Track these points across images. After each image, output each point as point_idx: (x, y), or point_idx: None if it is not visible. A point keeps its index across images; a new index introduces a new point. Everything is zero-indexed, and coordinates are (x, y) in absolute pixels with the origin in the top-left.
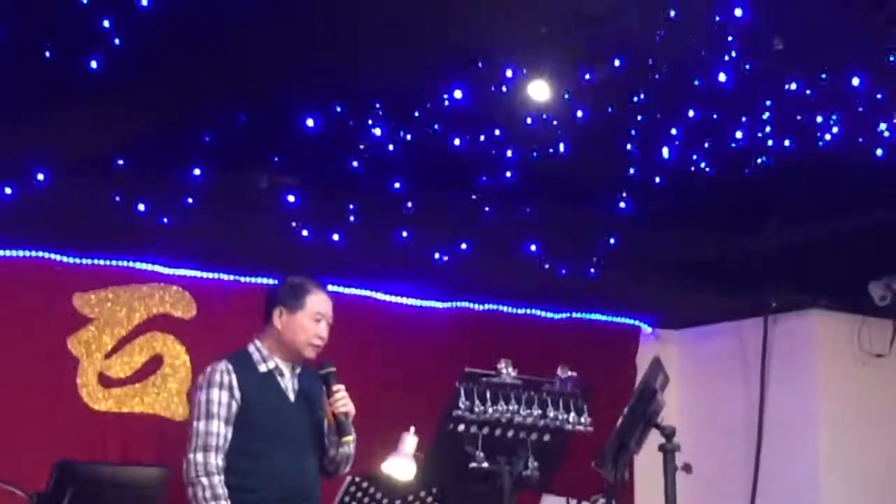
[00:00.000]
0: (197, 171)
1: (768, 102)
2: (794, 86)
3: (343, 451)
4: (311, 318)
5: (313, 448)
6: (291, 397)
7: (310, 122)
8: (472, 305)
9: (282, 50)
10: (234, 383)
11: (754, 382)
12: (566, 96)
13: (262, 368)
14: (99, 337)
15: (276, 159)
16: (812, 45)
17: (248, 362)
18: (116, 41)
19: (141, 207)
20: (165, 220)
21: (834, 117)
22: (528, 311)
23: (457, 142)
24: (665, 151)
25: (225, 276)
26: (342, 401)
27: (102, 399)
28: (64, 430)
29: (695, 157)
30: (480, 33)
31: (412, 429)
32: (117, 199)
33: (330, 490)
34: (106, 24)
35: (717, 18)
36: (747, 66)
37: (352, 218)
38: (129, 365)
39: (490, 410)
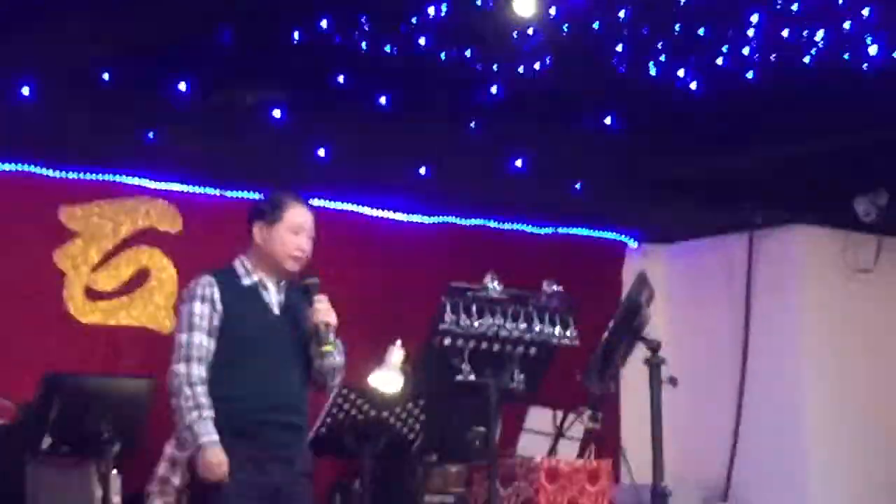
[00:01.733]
0: (183, 86)
1: (754, 18)
2: (779, 1)
3: (329, 361)
4: (290, 230)
5: (299, 359)
6: (276, 310)
7: (296, 37)
8: (457, 220)
9: None
10: (217, 296)
11: (740, 297)
12: (552, 11)
13: (246, 282)
14: (85, 250)
15: (262, 75)
16: None
17: (232, 276)
18: None
19: (127, 121)
20: (151, 134)
21: (820, 32)
22: (514, 227)
23: (442, 56)
24: (651, 67)
25: (211, 191)
26: (323, 310)
27: (89, 312)
28: (51, 342)
29: (681, 73)
30: None
31: (398, 342)
32: (103, 113)
33: (318, 402)
34: None
35: None
36: None
37: (337, 133)
38: (116, 278)
39: (476, 324)
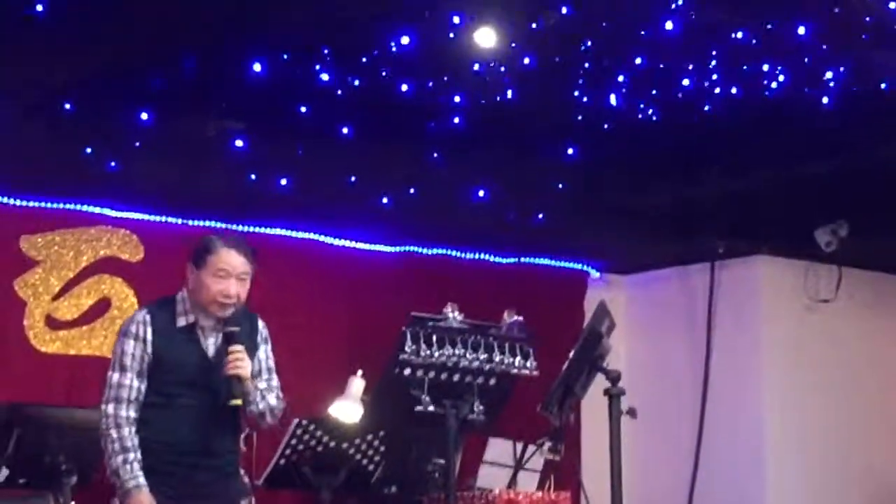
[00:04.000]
0: (144, 116)
1: (714, 51)
2: (739, 34)
3: (250, 409)
4: (213, 275)
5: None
6: (211, 352)
7: (257, 68)
8: (419, 250)
9: None
10: (149, 336)
11: (701, 327)
12: (513, 44)
13: (181, 322)
14: (46, 279)
15: (224, 105)
16: None
17: (169, 314)
18: None
19: (88, 151)
20: (113, 163)
21: (780, 67)
22: (476, 256)
23: (404, 88)
24: (612, 98)
25: (173, 220)
26: (233, 363)
27: (50, 341)
28: (11, 371)
29: (642, 104)
30: None
31: (359, 372)
32: (64, 142)
33: (278, 433)
34: None
35: None
36: (693, 15)
37: (300, 163)
38: (77, 307)
39: (436, 354)
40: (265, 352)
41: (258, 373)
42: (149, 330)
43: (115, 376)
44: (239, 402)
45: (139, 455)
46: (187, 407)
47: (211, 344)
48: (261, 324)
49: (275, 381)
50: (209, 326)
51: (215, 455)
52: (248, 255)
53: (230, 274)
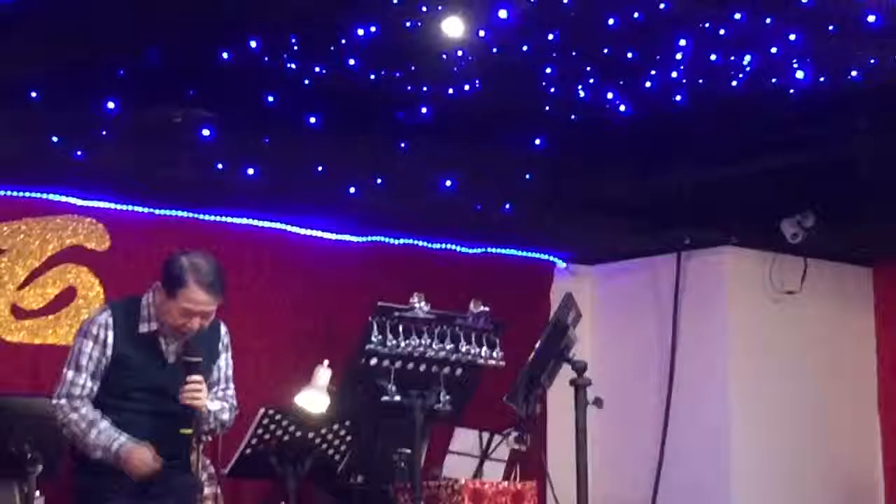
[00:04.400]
0: (111, 105)
1: (682, 42)
2: (707, 25)
3: (214, 425)
4: (179, 310)
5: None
6: (171, 359)
7: (224, 56)
8: (386, 240)
9: None
10: (109, 340)
11: (667, 318)
12: (481, 33)
13: (143, 328)
14: (11, 268)
15: (192, 93)
16: None
17: (132, 317)
18: None
19: (55, 139)
20: (79, 152)
21: (748, 58)
22: (443, 247)
23: (372, 77)
24: (580, 90)
25: (139, 209)
26: (189, 393)
27: (15, 331)
28: None
29: (609, 95)
30: None
31: (325, 362)
32: (31, 131)
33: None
34: None
35: None
36: (662, 5)
37: (267, 152)
38: (42, 296)
39: (402, 344)
40: (225, 360)
41: (216, 381)
42: (110, 333)
43: (70, 374)
44: (189, 431)
45: (108, 419)
46: (144, 411)
47: (171, 351)
48: (223, 330)
49: (230, 391)
50: (170, 333)
51: (170, 457)
52: (219, 293)
53: (194, 313)
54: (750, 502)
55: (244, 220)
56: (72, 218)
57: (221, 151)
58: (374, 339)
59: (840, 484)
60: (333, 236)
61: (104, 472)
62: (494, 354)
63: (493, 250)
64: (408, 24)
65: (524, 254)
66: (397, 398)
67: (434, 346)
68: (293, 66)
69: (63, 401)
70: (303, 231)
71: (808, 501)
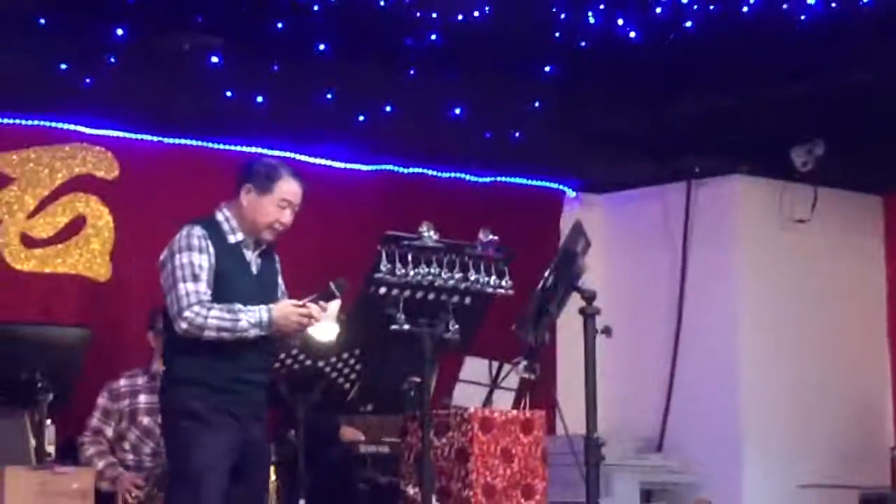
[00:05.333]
0: (119, 31)
1: None
2: None
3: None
4: (276, 203)
5: None
6: (254, 269)
7: None
8: (395, 168)
9: None
10: (211, 249)
11: (676, 247)
12: None
13: (231, 239)
14: (21, 197)
15: (200, 20)
16: None
17: (218, 231)
18: None
19: (63, 67)
20: (88, 79)
21: None
22: (453, 175)
23: (381, 3)
24: (590, 16)
25: (148, 137)
26: (309, 322)
27: (25, 259)
28: None
29: (619, 21)
30: None
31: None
32: (39, 58)
33: None
34: None
35: None
36: None
37: (275, 80)
38: (52, 225)
39: (411, 273)
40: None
41: (279, 298)
42: (209, 243)
43: (189, 286)
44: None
45: (240, 305)
46: None
47: (253, 261)
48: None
49: None
50: (252, 245)
51: (264, 370)
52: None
53: (291, 204)
54: (760, 430)
55: (252, 149)
56: (81, 146)
57: (230, 79)
58: (382, 267)
59: (850, 410)
60: (342, 165)
61: (214, 394)
62: (503, 283)
63: (503, 179)
64: None
65: (533, 182)
66: (406, 327)
67: (443, 274)
68: None
69: (196, 307)
70: (311, 159)
71: (818, 430)
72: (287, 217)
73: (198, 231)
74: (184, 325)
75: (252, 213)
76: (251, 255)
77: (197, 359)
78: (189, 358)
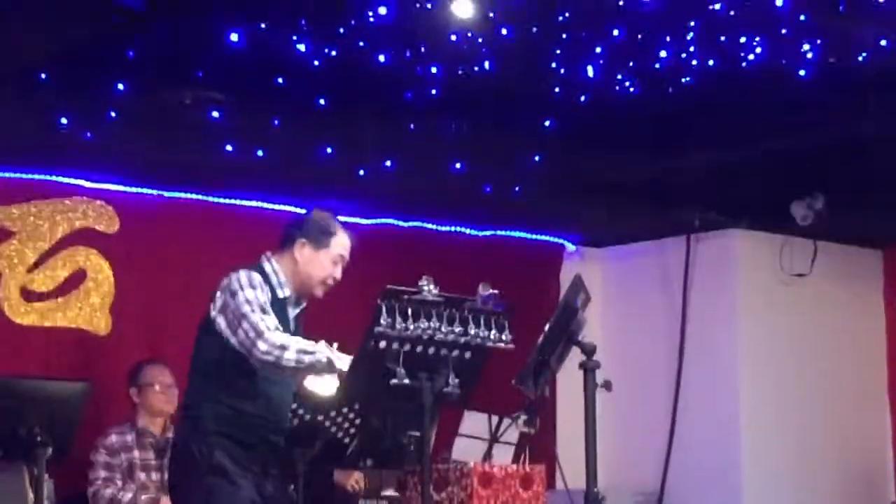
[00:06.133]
0: (120, 86)
1: (692, 22)
2: (717, 6)
3: None
4: (332, 259)
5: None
6: (292, 326)
7: (234, 38)
8: (395, 222)
9: None
10: (269, 295)
11: (676, 300)
12: (491, 14)
13: (280, 294)
14: (21, 251)
15: (201, 75)
16: None
17: (269, 282)
18: None
19: (64, 121)
20: (88, 134)
21: (757, 38)
22: (452, 229)
23: (381, 58)
24: (590, 70)
25: (148, 191)
26: None
27: (25, 313)
28: None
29: (619, 76)
30: None
31: (335, 345)
32: (40, 112)
33: None
34: None
35: None
36: None
37: (276, 134)
38: (52, 279)
39: (412, 327)
40: None
41: None
42: (267, 289)
43: (259, 315)
44: None
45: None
46: (269, 378)
47: (292, 320)
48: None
49: None
50: (293, 301)
51: (285, 432)
52: None
53: (343, 259)
54: (760, 487)
55: (253, 203)
56: (81, 200)
57: (230, 133)
58: (383, 321)
59: (851, 468)
60: (342, 219)
61: (245, 450)
62: (503, 337)
63: (503, 233)
64: (418, 5)
65: (533, 236)
66: (406, 381)
67: (443, 328)
68: (303, 47)
69: (275, 330)
70: None
71: (819, 485)
72: (339, 272)
73: (257, 276)
74: (264, 347)
75: (307, 269)
76: (292, 314)
77: (229, 410)
78: (220, 408)
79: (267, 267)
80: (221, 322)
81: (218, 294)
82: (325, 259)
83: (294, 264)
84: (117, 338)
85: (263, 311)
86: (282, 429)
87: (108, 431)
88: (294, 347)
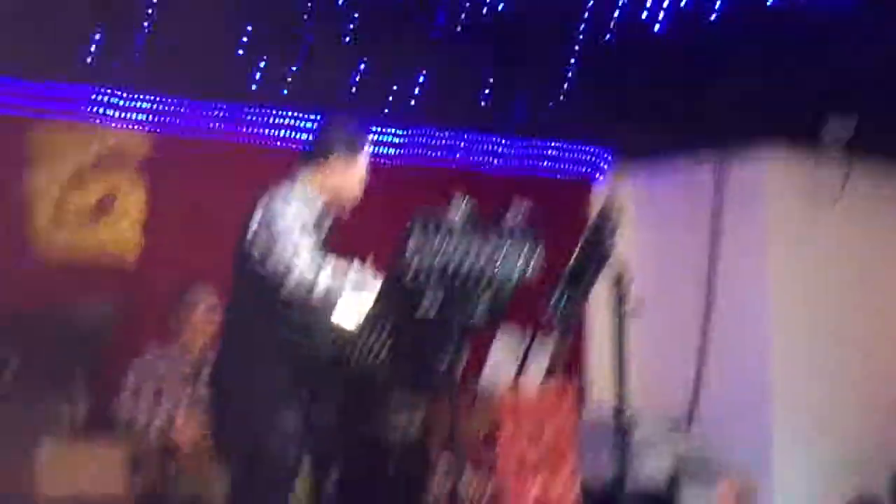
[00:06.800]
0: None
1: None
2: None
3: None
4: (360, 172)
5: None
6: (324, 245)
7: None
8: (425, 151)
9: None
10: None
11: (707, 225)
12: None
13: (313, 209)
14: (53, 173)
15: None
16: None
17: (302, 199)
18: None
19: (97, 38)
20: (121, 54)
21: None
22: (486, 147)
23: None
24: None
25: (181, 111)
26: None
27: (57, 237)
28: (17, 266)
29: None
30: None
31: (367, 261)
32: (73, 32)
33: None
34: None
35: None
36: None
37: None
38: (84, 201)
39: (441, 253)
40: None
41: None
42: (302, 206)
43: (297, 235)
44: None
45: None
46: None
47: (324, 233)
48: None
49: None
50: (325, 215)
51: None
52: None
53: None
54: (791, 413)
55: (286, 121)
56: (114, 122)
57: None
58: (411, 247)
59: (883, 393)
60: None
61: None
62: (534, 261)
63: (535, 151)
64: None
65: (564, 164)
66: (436, 307)
67: (472, 254)
68: None
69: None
70: None
71: (851, 412)
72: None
73: (295, 191)
74: (302, 267)
75: (339, 182)
76: (325, 229)
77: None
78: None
79: (300, 183)
80: (258, 242)
81: (256, 213)
82: (357, 171)
83: (326, 178)
84: (149, 261)
85: (302, 230)
86: (317, 357)
87: (141, 353)
88: (326, 276)
